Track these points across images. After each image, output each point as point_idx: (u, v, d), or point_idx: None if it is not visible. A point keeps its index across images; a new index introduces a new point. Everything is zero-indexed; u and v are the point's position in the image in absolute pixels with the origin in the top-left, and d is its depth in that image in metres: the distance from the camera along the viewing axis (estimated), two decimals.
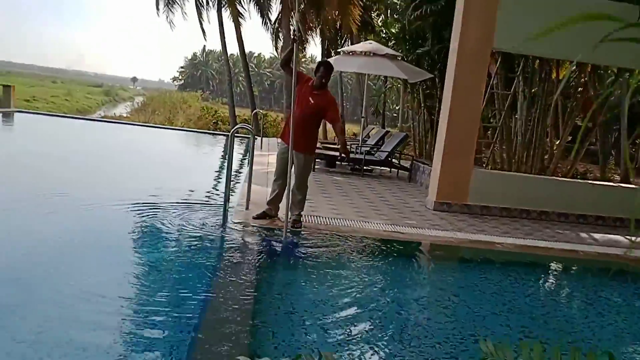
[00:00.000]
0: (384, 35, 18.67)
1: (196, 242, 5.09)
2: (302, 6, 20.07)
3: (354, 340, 3.38)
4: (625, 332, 4.22)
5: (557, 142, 12.18)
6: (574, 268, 6.37)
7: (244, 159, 11.63)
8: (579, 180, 11.19)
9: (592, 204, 8.16)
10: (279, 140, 5.86)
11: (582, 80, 11.75)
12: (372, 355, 3.22)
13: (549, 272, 6.25)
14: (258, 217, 5.75)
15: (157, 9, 23.37)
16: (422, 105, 14.36)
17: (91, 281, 3.84)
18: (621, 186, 10.62)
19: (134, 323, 3.23)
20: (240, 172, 9.63)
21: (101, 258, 4.43)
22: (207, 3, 23.54)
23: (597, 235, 7.35)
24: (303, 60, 35.73)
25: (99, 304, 3.44)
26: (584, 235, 7.35)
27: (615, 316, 4.55)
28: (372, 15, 23.60)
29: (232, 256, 4.76)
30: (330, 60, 13.22)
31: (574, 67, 11.60)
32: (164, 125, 22.13)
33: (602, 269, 6.09)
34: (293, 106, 5.54)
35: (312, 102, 5.50)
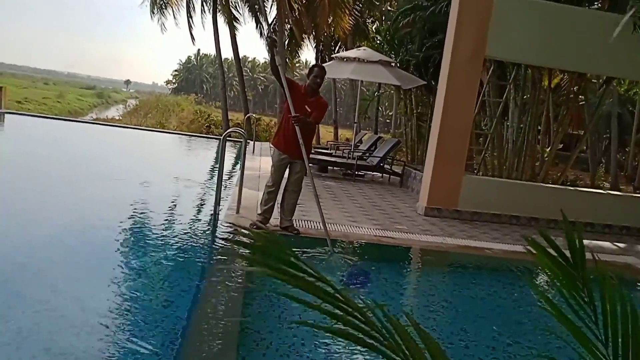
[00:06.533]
0: (378, 42, 18.78)
1: (185, 245, 5.09)
2: (297, 12, 20.17)
3: (341, 344, 3.39)
4: None
5: (548, 150, 12.29)
6: None
7: (236, 163, 11.63)
8: (569, 188, 11.28)
9: (581, 210, 8.23)
10: (272, 146, 5.74)
11: (573, 88, 11.87)
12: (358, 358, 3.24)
13: (538, 278, 6.29)
14: (258, 228, 5.64)
15: (152, 12, 23.37)
16: (414, 111, 14.43)
17: (75, 284, 3.83)
18: (610, 194, 10.73)
19: (117, 328, 3.22)
20: (232, 176, 9.63)
21: (84, 261, 4.41)
22: (203, 8, 23.57)
23: (585, 242, 7.39)
24: (297, 65, 35.75)
25: (83, 305, 3.43)
26: None
27: None
28: (367, 22, 23.72)
29: (221, 259, 4.77)
30: (324, 65, 13.28)
31: (565, 76, 11.73)
32: (156, 128, 22.07)
33: (592, 275, 6.13)
34: (291, 106, 5.32)
35: (309, 110, 5.47)
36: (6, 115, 14.69)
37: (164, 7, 23.12)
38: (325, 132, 28.82)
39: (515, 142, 10.44)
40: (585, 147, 17.60)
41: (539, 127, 11.30)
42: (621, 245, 7.55)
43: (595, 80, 13.90)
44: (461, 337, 3.77)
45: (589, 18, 8.10)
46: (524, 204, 8.14)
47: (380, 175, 11.50)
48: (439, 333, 3.82)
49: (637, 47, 7.47)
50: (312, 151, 12.36)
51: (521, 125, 10.43)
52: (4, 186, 6.77)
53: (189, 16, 23.51)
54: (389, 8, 22.42)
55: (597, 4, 10.06)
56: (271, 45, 5.57)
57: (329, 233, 5.47)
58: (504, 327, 4.08)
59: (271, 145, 5.75)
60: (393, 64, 11.71)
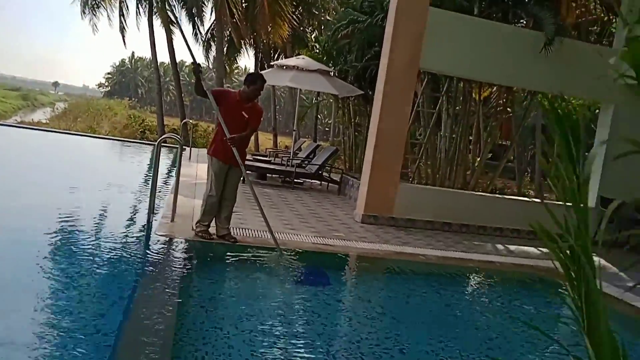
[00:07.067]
0: (317, 51, 18.95)
1: (116, 255, 4.89)
2: (235, 19, 20.01)
3: (278, 353, 3.37)
4: (536, 339, 4.49)
5: (478, 159, 12.85)
6: (491, 278, 6.71)
7: (172, 170, 11.33)
8: (497, 195, 11.83)
9: (508, 217, 8.64)
10: (209, 156, 5.58)
11: (501, 101, 12.50)
12: None
13: (468, 282, 6.54)
14: (204, 238, 5.52)
15: (83, 12, 22.44)
16: (352, 120, 14.68)
17: None
18: (535, 201, 11.34)
19: (43, 343, 3.05)
20: (167, 184, 9.37)
21: (2, 273, 4.14)
22: (138, 10, 22.89)
23: (512, 247, 7.80)
24: (236, 71, 35.43)
25: (4, 320, 3.22)
26: (500, 247, 7.77)
27: (529, 322, 4.83)
28: (307, 30, 23.88)
29: (154, 268, 4.62)
30: (263, 73, 13.23)
31: (494, 89, 12.33)
32: (86, 133, 21.13)
33: (517, 278, 6.47)
34: (224, 127, 5.29)
35: (246, 116, 5.44)
36: None
37: (96, 7, 22.28)
38: (265, 140, 28.71)
39: (448, 151, 10.84)
40: (512, 157, 18.50)
41: (470, 138, 11.81)
42: (545, 249, 7.99)
43: (522, 94, 14.71)
44: (396, 342, 3.85)
45: (516, 35, 8.57)
46: (456, 212, 8.44)
47: (319, 183, 11.58)
48: (374, 337, 3.89)
49: (557, 63, 7.98)
50: (251, 158, 12.30)
51: (453, 136, 10.86)
52: None
53: (122, 18, 22.79)
54: (327, 18, 22.70)
55: (523, 22, 10.67)
56: (196, 70, 5.42)
57: (275, 237, 5.57)
58: (436, 330, 4.20)
59: (208, 155, 5.61)
60: (331, 73, 11.85)
